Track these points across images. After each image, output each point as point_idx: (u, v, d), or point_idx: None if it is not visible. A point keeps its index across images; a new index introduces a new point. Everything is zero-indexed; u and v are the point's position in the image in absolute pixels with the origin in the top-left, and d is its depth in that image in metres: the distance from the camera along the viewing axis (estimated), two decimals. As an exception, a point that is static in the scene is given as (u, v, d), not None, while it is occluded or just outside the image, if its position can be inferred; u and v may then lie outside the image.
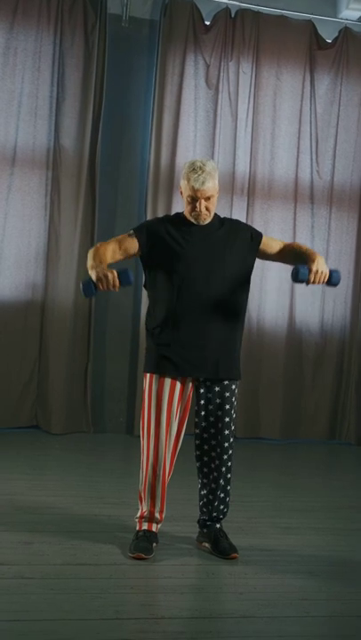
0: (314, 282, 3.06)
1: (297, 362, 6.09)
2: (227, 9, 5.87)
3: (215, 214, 3.29)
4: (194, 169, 3.13)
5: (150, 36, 5.88)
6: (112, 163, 5.84)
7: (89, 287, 2.96)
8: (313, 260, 3.07)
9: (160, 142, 5.77)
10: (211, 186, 3.12)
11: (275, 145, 5.99)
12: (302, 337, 6.09)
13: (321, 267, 3.05)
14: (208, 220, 3.19)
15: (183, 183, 3.16)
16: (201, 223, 3.18)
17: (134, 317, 5.83)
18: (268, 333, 6.00)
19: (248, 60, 5.92)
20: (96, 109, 5.67)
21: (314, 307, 6.10)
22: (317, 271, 3.04)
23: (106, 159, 5.76)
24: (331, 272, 3.09)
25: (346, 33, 6.07)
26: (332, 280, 3.10)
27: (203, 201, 3.14)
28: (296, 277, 3.03)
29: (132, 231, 3.23)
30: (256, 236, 3.29)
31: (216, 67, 5.86)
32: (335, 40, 6.07)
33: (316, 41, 6.03)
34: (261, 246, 3.27)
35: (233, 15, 5.88)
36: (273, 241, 3.34)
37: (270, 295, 6.00)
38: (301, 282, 3.05)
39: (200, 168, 3.12)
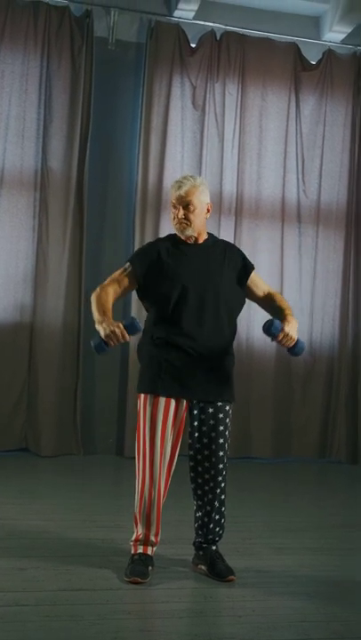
0: (280, 342, 3.08)
1: (286, 380, 6.09)
2: (212, 31, 5.94)
3: (210, 234, 3.30)
4: (178, 180, 3.19)
5: (137, 59, 5.93)
6: (100, 184, 5.86)
7: (100, 346, 2.99)
8: (288, 322, 3.10)
9: (147, 163, 5.80)
10: (189, 191, 3.12)
11: (261, 165, 6.04)
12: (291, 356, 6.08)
13: (293, 331, 3.08)
14: (189, 232, 3.17)
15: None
16: (183, 234, 3.17)
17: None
18: (257, 352, 6.00)
19: (234, 82, 5.98)
20: (83, 131, 5.69)
21: (302, 325, 6.04)
22: (288, 334, 3.06)
23: (93, 180, 5.77)
24: (298, 340, 3.11)
25: (330, 55, 6.15)
26: (296, 349, 3.13)
27: (181, 208, 3.15)
28: (268, 329, 3.05)
29: (127, 264, 3.23)
30: (248, 266, 3.29)
31: (202, 88, 5.91)
32: (319, 62, 6.16)
33: (300, 63, 6.12)
34: (249, 282, 3.27)
35: (218, 37, 5.95)
36: (261, 281, 3.34)
37: (260, 313, 5.88)
38: (270, 335, 3.06)
39: (184, 178, 3.18)
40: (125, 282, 3.21)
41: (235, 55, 5.96)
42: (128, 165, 5.93)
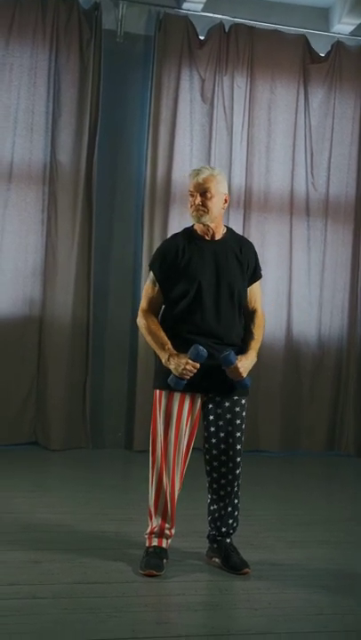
0: (229, 373, 3.09)
1: (295, 374, 6.09)
2: (221, 24, 5.91)
3: (229, 228, 3.30)
4: (196, 168, 3.22)
5: (145, 52, 5.90)
6: (109, 177, 5.85)
7: (179, 384, 3.06)
8: (246, 358, 3.11)
9: (156, 156, 5.78)
10: (207, 178, 3.13)
11: (270, 158, 6.01)
12: (300, 348, 6.09)
13: (244, 368, 3.09)
14: (206, 219, 3.16)
15: None
16: (200, 221, 3.16)
17: (133, 331, 5.79)
18: (265, 346, 5.93)
19: (242, 75, 5.95)
20: (92, 124, 5.68)
21: (311, 318, 6.11)
22: (237, 370, 3.07)
23: (102, 174, 5.76)
24: (244, 379, 3.12)
25: (338, 47, 6.12)
26: (238, 386, 3.14)
27: (198, 196, 3.14)
28: (223, 360, 3.07)
29: (150, 272, 3.25)
30: (257, 272, 3.30)
31: (211, 81, 5.89)
32: (328, 54, 6.12)
33: (309, 55, 6.08)
34: (249, 289, 3.27)
35: (227, 30, 5.92)
36: (257, 295, 3.32)
37: (267, 307, 5.94)
38: (223, 365, 3.08)
39: (203, 167, 3.22)
40: (159, 294, 3.23)
41: (243, 48, 5.93)
42: (137, 159, 5.92)
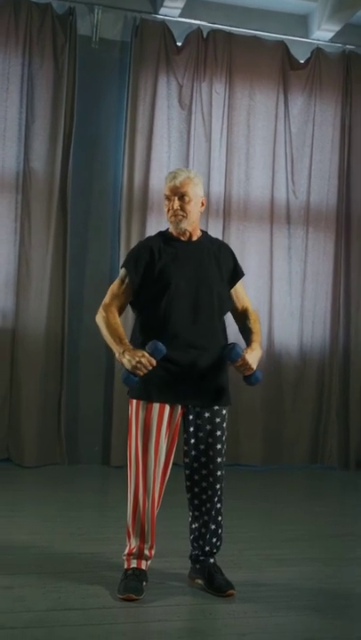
0: (238, 368, 2.95)
1: (276, 385, 5.95)
2: (198, 30, 5.81)
3: (204, 232, 3.16)
4: (172, 171, 3.07)
5: (121, 57, 5.78)
6: (84, 185, 5.69)
7: (130, 379, 2.84)
8: (251, 350, 2.98)
9: (133, 164, 5.64)
10: (184, 182, 2.99)
11: (249, 165, 5.91)
12: (281, 359, 5.96)
13: (252, 360, 2.95)
14: (184, 224, 3.02)
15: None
16: (178, 227, 3.02)
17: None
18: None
19: (221, 81, 5.85)
20: (67, 131, 5.53)
21: (292, 328, 5.98)
22: (246, 363, 2.93)
23: (77, 182, 5.60)
24: (255, 372, 2.98)
25: (318, 53, 6.05)
26: (251, 379, 3.00)
27: (176, 199, 3.00)
28: (228, 354, 2.94)
29: (122, 271, 3.07)
30: (238, 272, 3.16)
31: (189, 87, 5.78)
32: (308, 60, 6.05)
33: (288, 61, 6.00)
34: (233, 289, 3.14)
35: (205, 36, 5.82)
36: (243, 293, 3.20)
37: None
38: (229, 360, 2.95)
39: (179, 169, 3.08)
40: (127, 293, 3.05)
41: (222, 54, 5.84)
42: (113, 166, 5.77)
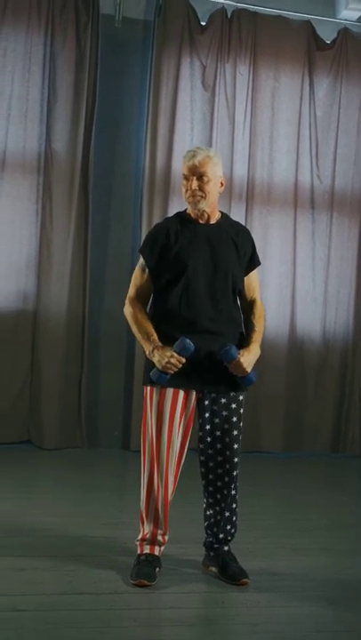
0: (232, 369, 2.89)
1: (299, 372, 5.88)
2: (223, 9, 5.70)
3: (224, 214, 3.09)
4: (190, 150, 3.01)
5: (144, 37, 5.69)
6: (106, 167, 5.64)
7: (162, 378, 2.86)
8: (248, 352, 2.91)
9: (155, 146, 5.57)
10: (203, 161, 2.92)
11: (273, 148, 5.80)
12: (304, 346, 5.88)
13: (248, 363, 2.89)
14: (203, 205, 2.96)
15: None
16: (196, 207, 2.96)
17: (129, 326, 5.59)
18: (268, 343, 5.74)
19: (245, 62, 5.74)
20: (89, 112, 5.47)
21: (315, 314, 5.90)
22: (240, 365, 2.88)
23: (99, 163, 5.55)
24: (249, 374, 2.93)
25: (345, 34, 5.90)
26: (245, 381, 2.95)
27: (195, 179, 2.94)
28: (225, 354, 2.88)
29: (140, 258, 3.04)
30: (255, 260, 3.09)
31: (212, 68, 5.68)
32: (334, 41, 5.90)
33: (314, 42, 5.86)
34: (246, 277, 3.07)
35: (229, 15, 5.71)
36: (255, 283, 3.12)
37: (270, 304, 5.77)
38: (224, 360, 2.89)
39: (198, 148, 3.01)
40: (148, 281, 3.02)
41: (246, 34, 5.72)
42: (135, 148, 5.71)
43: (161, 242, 2.98)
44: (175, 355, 2.81)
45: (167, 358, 2.81)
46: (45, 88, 5.42)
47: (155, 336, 2.90)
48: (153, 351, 2.86)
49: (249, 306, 3.10)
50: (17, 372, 5.38)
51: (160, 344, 2.87)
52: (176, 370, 2.83)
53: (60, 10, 5.42)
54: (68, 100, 5.44)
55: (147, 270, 3.01)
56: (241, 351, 2.91)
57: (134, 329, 2.99)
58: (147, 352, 2.91)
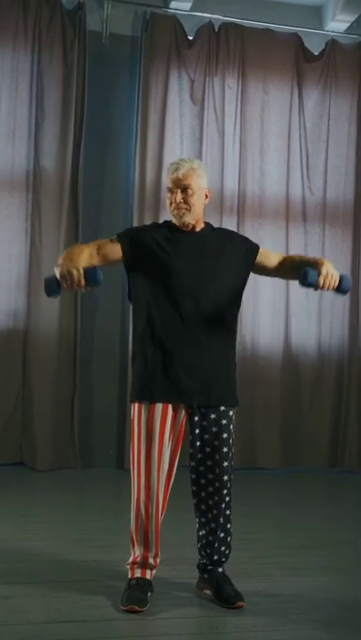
0: (323, 286, 2.79)
1: (294, 386, 5.80)
2: (210, 23, 5.69)
3: (208, 223, 3.03)
4: (174, 162, 2.93)
5: (132, 53, 5.68)
6: (95, 183, 5.59)
7: (51, 285, 2.68)
8: (322, 264, 2.82)
9: (145, 160, 5.54)
10: (187, 174, 2.85)
11: (264, 161, 5.77)
12: (299, 360, 5.81)
13: (331, 270, 2.80)
14: (188, 218, 2.89)
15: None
16: (181, 220, 2.88)
17: (122, 343, 5.53)
18: (262, 357, 5.71)
19: (233, 75, 5.72)
20: (77, 129, 5.44)
21: (310, 328, 5.83)
22: (327, 274, 2.78)
23: (88, 180, 5.51)
24: (341, 277, 2.84)
25: (333, 45, 5.89)
26: (343, 285, 2.84)
27: (179, 192, 2.87)
28: (305, 280, 2.78)
29: (115, 236, 2.94)
30: (252, 249, 3.01)
31: (201, 82, 5.66)
32: (322, 53, 5.89)
33: (302, 54, 5.85)
34: (258, 259, 2.99)
35: (217, 29, 5.70)
36: (271, 253, 3.06)
37: (264, 317, 5.73)
38: (310, 286, 2.80)
39: (182, 160, 2.93)
40: (107, 249, 2.87)
41: (234, 47, 5.71)
42: (125, 164, 5.67)
43: (143, 238, 2.88)
44: (81, 272, 2.64)
45: (71, 269, 2.63)
46: (33, 105, 5.40)
47: (77, 262, 2.69)
48: (63, 264, 2.66)
49: (284, 261, 3.00)
50: (8, 392, 5.30)
51: (77, 264, 2.67)
52: (71, 286, 2.63)
53: (47, 26, 5.40)
54: (56, 117, 5.40)
55: (113, 242, 2.88)
56: (318, 268, 2.79)
57: (63, 253, 2.79)
58: (58, 262, 2.71)
